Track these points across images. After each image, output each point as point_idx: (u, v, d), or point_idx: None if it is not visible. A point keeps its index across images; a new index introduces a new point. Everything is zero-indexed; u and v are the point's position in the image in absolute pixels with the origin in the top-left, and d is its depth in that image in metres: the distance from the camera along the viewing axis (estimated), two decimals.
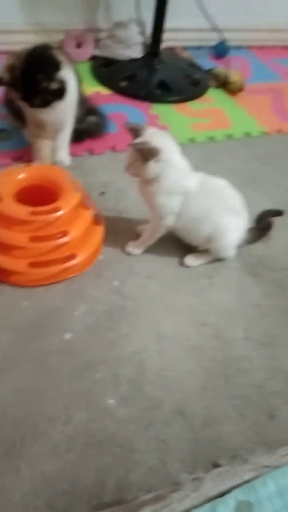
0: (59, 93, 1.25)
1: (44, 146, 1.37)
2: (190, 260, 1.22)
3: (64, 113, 1.35)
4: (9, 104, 1.47)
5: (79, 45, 1.96)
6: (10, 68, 1.17)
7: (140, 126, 1.08)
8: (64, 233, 1.09)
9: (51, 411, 0.91)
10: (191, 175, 1.13)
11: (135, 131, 1.07)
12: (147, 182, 1.09)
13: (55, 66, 1.23)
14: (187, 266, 1.22)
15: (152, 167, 1.06)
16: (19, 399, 0.92)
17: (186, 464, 0.87)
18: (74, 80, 1.33)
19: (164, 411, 0.94)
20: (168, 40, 1.97)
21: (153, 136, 1.07)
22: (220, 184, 1.16)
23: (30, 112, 1.29)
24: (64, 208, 1.08)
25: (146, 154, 1.04)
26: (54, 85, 1.23)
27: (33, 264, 1.08)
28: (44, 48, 1.24)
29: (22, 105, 1.28)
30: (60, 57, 1.26)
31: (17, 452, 0.85)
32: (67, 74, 1.28)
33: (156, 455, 0.88)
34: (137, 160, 1.05)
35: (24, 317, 1.06)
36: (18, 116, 1.45)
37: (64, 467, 0.85)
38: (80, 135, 1.49)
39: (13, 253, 1.08)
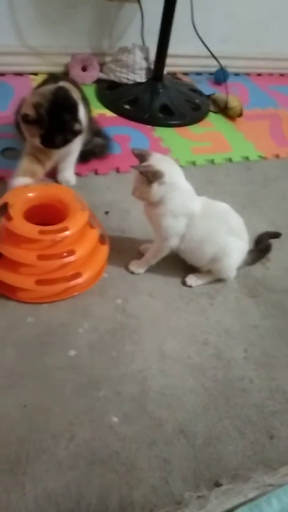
0: (79, 133, 1.30)
1: (31, 166, 1.37)
2: (191, 280, 1.25)
3: (74, 144, 1.38)
4: (19, 125, 1.51)
5: (84, 68, 2.02)
6: (36, 106, 1.21)
7: (146, 152, 1.12)
8: (71, 252, 1.11)
9: (56, 428, 0.92)
10: (195, 198, 1.17)
11: (141, 156, 1.11)
12: (152, 205, 1.13)
13: (77, 106, 1.28)
14: (189, 286, 1.25)
15: (157, 189, 1.09)
16: (24, 415, 0.93)
17: (188, 483, 0.89)
18: (83, 109, 1.38)
19: (166, 430, 0.96)
20: (170, 65, 2.04)
21: (157, 161, 1.11)
22: (223, 208, 1.20)
23: (41, 149, 1.30)
24: (71, 227, 1.11)
25: (150, 176, 1.08)
26: (77, 126, 1.28)
27: (40, 282, 1.11)
28: (66, 89, 1.29)
29: (35, 142, 1.29)
30: (75, 94, 1.31)
31: (22, 468, 0.86)
32: (81, 109, 1.33)
33: (159, 474, 0.90)
34: (142, 183, 1.09)
35: (29, 333, 1.08)
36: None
37: (68, 484, 0.86)
38: (86, 156, 1.53)
39: (20, 270, 1.10)
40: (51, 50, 2.02)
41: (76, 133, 1.29)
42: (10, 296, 1.13)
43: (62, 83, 1.31)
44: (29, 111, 1.22)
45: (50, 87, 1.26)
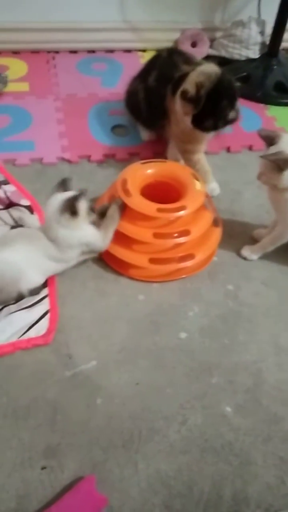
0: (232, 122, 1.26)
1: (204, 161, 1.34)
2: None
3: None
4: (130, 103, 1.50)
5: (194, 44, 1.95)
6: (199, 85, 1.18)
7: (274, 134, 1.04)
8: (186, 232, 1.08)
9: (167, 410, 0.91)
10: None
11: (269, 139, 1.03)
12: (280, 190, 1.05)
13: (236, 95, 1.24)
14: None
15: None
16: (136, 392, 0.93)
17: None
18: None
19: (283, 427, 0.90)
20: (286, 40, 1.90)
21: None
22: None
23: (190, 130, 1.26)
24: (189, 207, 1.07)
25: (282, 164, 0.99)
26: (232, 114, 1.23)
27: (153, 260, 1.09)
28: (230, 77, 1.24)
29: (184, 121, 1.25)
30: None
31: (135, 446, 0.86)
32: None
33: (275, 472, 0.84)
34: (271, 169, 1.01)
35: (140, 311, 1.07)
36: (138, 116, 1.48)
37: (180, 468, 0.84)
38: None
39: (134, 248, 1.09)
40: (159, 25, 1.97)
41: (228, 122, 1.24)
42: (122, 273, 1.13)
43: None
44: (190, 88, 1.19)
45: (217, 69, 1.22)
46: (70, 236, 1.02)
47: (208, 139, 1.34)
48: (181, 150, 1.35)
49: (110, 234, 1.08)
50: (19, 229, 1.14)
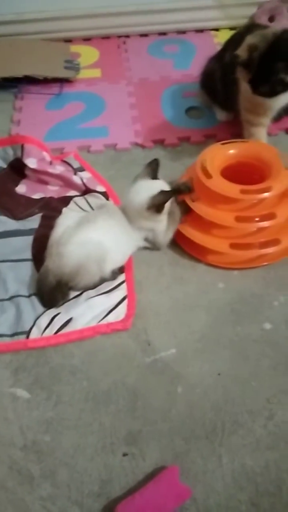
0: None
1: (263, 135, 1.27)
2: None
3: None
4: (207, 84, 1.44)
5: (272, 19, 1.83)
6: (251, 48, 1.10)
7: None
8: (272, 216, 1.01)
9: (252, 403, 0.86)
10: None
11: None
12: None
13: None
14: None
15: None
16: (218, 383, 0.89)
17: None
18: None
19: None
20: None
21: None
22: None
23: (252, 97, 1.19)
24: (275, 188, 1.00)
25: None
26: None
27: (234, 246, 1.03)
28: None
29: (244, 88, 1.19)
30: None
31: (218, 438, 0.82)
32: None
33: None
34: None
35: (220, 299, 1.02)
36: (215, 96, 1.41)
37: (267, 464, 0.79)
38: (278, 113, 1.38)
39: (214, 232, 1.04)
40: (233, 1, 1.87)
41: (287, 85, 1.14)
42: (200, 259, 1.09)
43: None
44: (242, 52, 1.11)
45: (277, 29, 1.13)
46: (145, 224, 1.02)
47: (273, 110, 1.24)
48: (243, 119, 1.28)
49: (170, 233, 1.08)
50: (100, 206, 1.13)
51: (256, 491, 0.76)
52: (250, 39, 1.11)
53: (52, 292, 0.98)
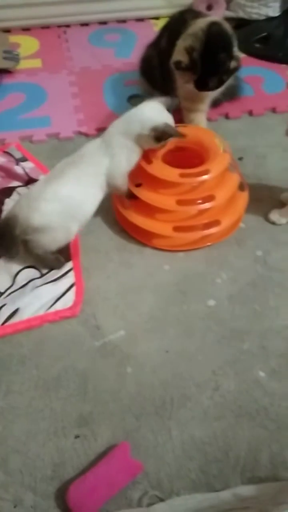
0: (235, 71, 1.19)
1: (202, 120, 1.30)
2: None
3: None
4: (146, 71, 1.45)
5: (209, 7, 1.87)
6: (189, 50, 1.12)
7: None
8: (211, 198, 1.04)
9: (199, 376, 0.89)
10: None
11: None
12: None
13: (232, 42, 1.17)
14: None
15: None
16: (167, 360, 0.91)
17: None
18: None
19: None
20: None
21: None
22: None
23: (193, 92, 1.22)
24: (213, 170, 1.03)
25: None
26: (233, 64, 1.16)
27: (177, 229, 1.06)
28: (219, 24, 1.17)
29: (188, 87, 1.21)
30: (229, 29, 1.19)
31: (167, 413, 0.85)
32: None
33: None
34: None
35: (166, 281, 1.05)
36: (154, 83, 1.43)
37: (215, 434, 0.82)
38: (216, 99, 1.41)
39: (157, 217, 1.06)
40: None
41: (232, 72, 1.18)
42: (146, 243, 1.11)
43: (210, 18, 1.19)
44: (181, 57, 1.13)
45: (202, 25, 1.15)
46: (122, 155, 1.01)
47: (211, 97, 1.29)
48: (182, 106, 1.31)
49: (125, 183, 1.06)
50: (65, 160, 1.06)
51: (205, 459, 0.80)
52: (183, 43, 1.14)
53: (9, 238, 0.98)
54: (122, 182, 1.04)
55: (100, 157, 1.01)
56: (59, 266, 1.03)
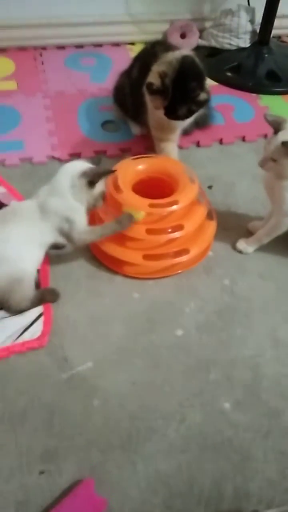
0: (204, 103, 1.23)
1: (172, 149, 1.33)
2: None
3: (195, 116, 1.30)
4: (119, 98, 1.48)
5: (183, 36, 1.92)
6: (162, 75, 1.16)
7: (281, 119, 1.01)
8: (179, 227, 1.06)
9: (166, 408, 0.90)
10: None
11: (276, 124, 1.00)
12: (281, 178, 1.02)
13: (203, 74, 1.22)
14: None
15: None
16: (134, 392, 0.92)
17: None
18: None
19: (283, 421, 0.89)
20: (276, 28, 1.86)
21: None
22: None
23: (163, 120, 1.25)
24: (182, 201, 1.05)
25: None
26: (203, 96, 1.20)
27: (147, 257, 1.07)
28: (192, 57, 1.22)
29: (157, 114, 1.24)
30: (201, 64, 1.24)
31: (133, 446, 0.85)
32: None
33: (276, 467, 0.84)
34: (283, 156, 0.98)
35: (135, 310, 1.06)
36: (127, 111, 1.45)
37: (179, 467, 0.83)
38: (187, 127, 1.45)
39: (128, 245, 1.08)
40: (148, 17, 1.94)
41: (201, 104, 1.22)
42: (117, 270, 1.11)
43: (185, 51, 1.24)
44: (154, 79, 1.17)
45: (177, 55, 1.20)
46: (63, 203, 1.01)
47: (180, 128, 1.32)
48: (152, 135, 1.34)
49: (95, 235, 1.06)
50: (5, 208, 1.10)
51: (170, 493, 0.80)
52: (157, 68, 1.17)
53: None
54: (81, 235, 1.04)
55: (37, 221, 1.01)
56: (54, 299, 1.04)
